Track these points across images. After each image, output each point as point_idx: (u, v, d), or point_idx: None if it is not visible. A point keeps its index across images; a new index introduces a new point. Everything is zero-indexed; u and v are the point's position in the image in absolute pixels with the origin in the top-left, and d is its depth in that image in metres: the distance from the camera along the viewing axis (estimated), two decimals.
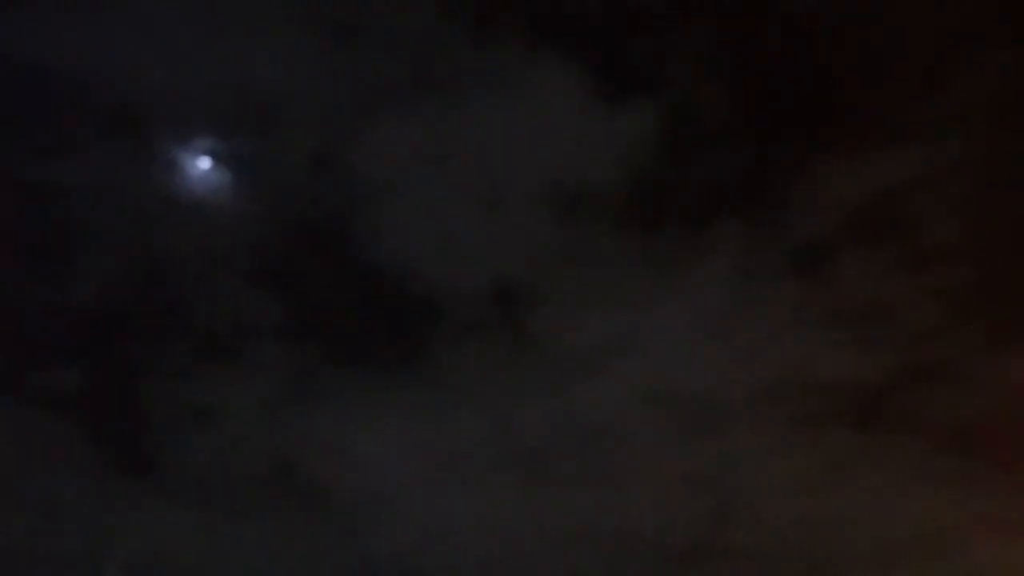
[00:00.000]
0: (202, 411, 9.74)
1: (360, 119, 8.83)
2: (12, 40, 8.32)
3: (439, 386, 9.83)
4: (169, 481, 9.83)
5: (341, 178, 9.03)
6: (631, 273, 9.29)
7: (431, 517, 10.23)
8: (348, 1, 8.34)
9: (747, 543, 10.38)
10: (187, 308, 9.54)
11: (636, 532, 10.35)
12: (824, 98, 8.70)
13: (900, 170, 8.70)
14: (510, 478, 10.23)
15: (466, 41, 8.47)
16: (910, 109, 8.60)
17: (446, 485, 10.21)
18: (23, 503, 9.52)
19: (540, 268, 9.32)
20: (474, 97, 8.66)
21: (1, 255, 9.13)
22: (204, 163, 9.04)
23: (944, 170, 8.67)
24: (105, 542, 9.40)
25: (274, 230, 9.34)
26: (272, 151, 9.06)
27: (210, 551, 9.95)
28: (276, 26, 8.44)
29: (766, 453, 10.00)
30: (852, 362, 9.45)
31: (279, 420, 9.85)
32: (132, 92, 8.61)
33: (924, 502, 9.92)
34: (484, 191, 9.04)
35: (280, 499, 10.07)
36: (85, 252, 9.25)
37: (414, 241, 9.24)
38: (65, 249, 9.23)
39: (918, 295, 9.13)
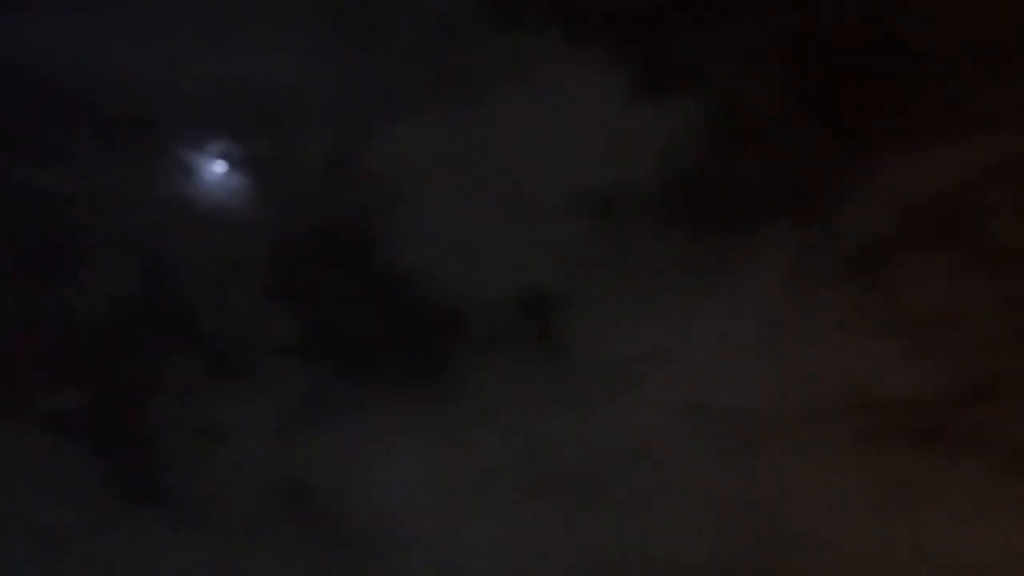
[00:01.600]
0: (212, 431, 9.43)
1: (379, 121, 8.60)
2: (24, 47, 8.28)
3: (463, 403, 9.44)
4: (177, 505, 9.51)
5: (359, 183, 8.81)
6: (671, 280, 8.92)
7: (454, 545, 9.83)
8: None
9: (796, 569, 9.91)
10: (196, 322, 9.31)
11: (677, 560, 9.87)
12: (880, 88, 8.35)
13: (964, 164, 8.31)
14: (540, 503, 9.78)
15: (491, 31, 8.22)
16: (974, 98, 8.20)
17: (470, 510, 9.80)
18: (24, 528, 9.27)
19: (571, 275, 8.98)
20: (500, 92, 8.41)
21: (9, 267, 9.01)
22: (218, 168, 8.86)
23: (1012, 163, 8.25)
24: (107, 569, 9.08)
25: (289, 238, 9.09)
26: (288, 155, 8.87)
27: None
28: (291, 28, 8.32)
29: (818, 474, 9.50)
30: (913, 375, 8.96)
31: (293, 441, 9.54)
32: (145, 97, 8.49)
33: (993, 527, 9.36)
34: (511, 193, 8.74)
35: (293, 525, 9.74)
36: (90, 263, 9.08)
37: (436, 248, 8.96)
38: (73, 260, 9.02)
39: (986, 301, 8.66)
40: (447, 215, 8.87)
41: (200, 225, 8.99)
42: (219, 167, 8.82)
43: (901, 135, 8.36)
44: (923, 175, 8.37)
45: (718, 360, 9.10)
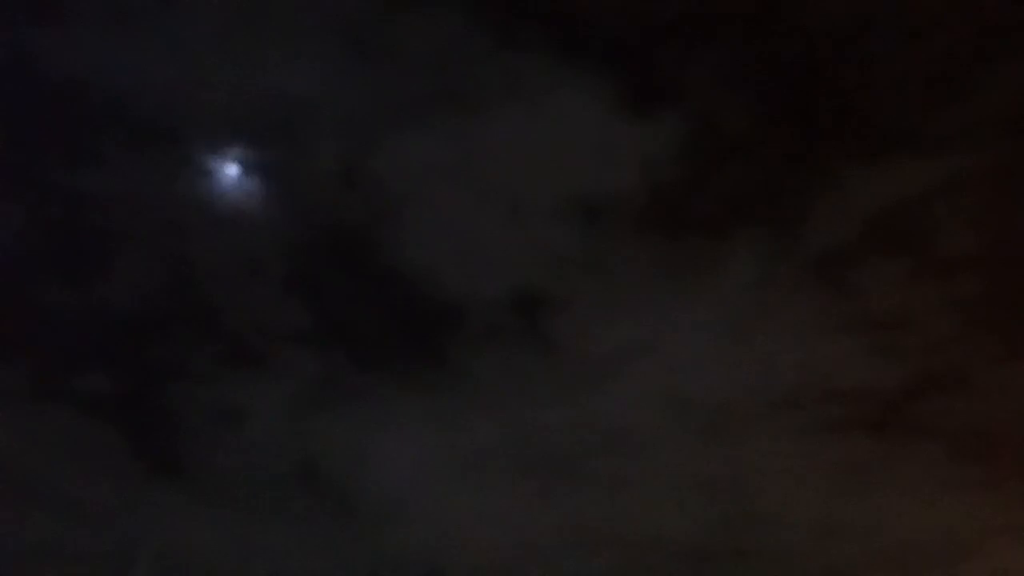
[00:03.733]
0: (230, 414, 9.93)
1: (386, 131, 8.99)
2: (51, 55, 8.58)
3: (460, 391, 9.99)
4: (197, 482, 10.02)
5: (367, 188, 9.20)
6: (652, 281, 9.39)
7: (452, 520, 10.36)
8: (375, 15, 8.47)
9: (765, 548, 10.46)
10: (216, 313, 9.73)
11: (654, 536, 10.44)
12: (845, 109, 8.71)
13: (920, 180, 8.74)
14: (530, 482, 10.37)
15: (491, 53, 8.55)
16: (931, 119, 8.62)
17: (465, 488, 10.34)
18: (56, 503, 9.74)
19: (561, 276, 9.43)
20: (498, 107, 8.76)
21: (39, 262, 9.41)
22: (238, 172, 9.25)
23: (964, 180, 8.69)
24: (135, 541, 9.59)
25: (301, 238, 9.53)
26: (300, 161, 9.23)
27: (236, 550, 10.15)
28: (307, 44, 8.62)
29: (784, 459, 10.05)
30: (871, 370, 9.51)
31: (305, 423, 10.03)
32: (165, 104, 8.84)
33: (942, 509, 9.94)
34: (507, 200, 9.16)
35: (304, 499, 10.25)
36: (119, 259, 9.47)
37: (437, 249, 9.39)
38: (100, 256, 9.50)
39: (937, 304, 9.16)
40: (447, 219, 9.26)
41: (220, 225, 9.43)
42: (238, 171, 9.25)
43: (862, 152, 8.74)
44: (881, 189, 8.82)
45: (693, 354, 9.61)
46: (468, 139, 8.89)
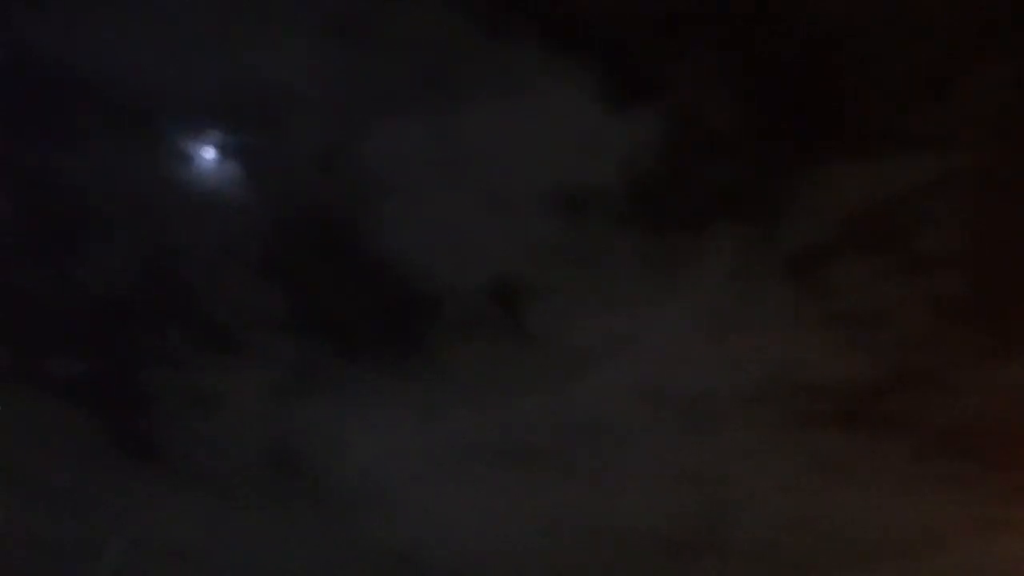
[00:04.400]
0: (206, 399, 9.89)
1: (368, 117, 8.95)
2: (29, 36, 8.49)
3: (439, 380, 10.00)
4: (172, 467, 9.98)
5: (347, 174, 9.17)
6: (631, 273, 9.44)
7: (428, 509, 10.39)
8: (361, 1, 8.42)
9: (739, 539, 10.56)
10: (193, 298, 9.68)
11: (630, 528, 10.51)
12: (825, 106, 8.79)
13: (898, 178, 8.83)
14: (507, 473, 10.41)
15: (477, 43, 8.54)
16: (911, 119, 8.71)
17: (444, 478, 10.36)
18: (28, 487, 9.65)
19: (541, 267, 9.46)
20: (482, 98, 8.78)
21: (13, 243, 9.31)
22: (217, 156, 9.18)
23: (942, 179, 8.78)
24: (108, 526, 9.54)
25: (280, 224, 9.49)
26: (282, 147, 9.18)
27: (210, 536, 10.12)
28: (289, 28, 8.55)
29: (759, 452, 10.15)
30: (845, 365, 9.60)
31: (281, 410, 10.01)
32: (145, 86, 8.76)
33: (911, 503, 10.08)
34: (489, 190, 9.17)
35: (280, 487, 10.22)
36: (95, 241, 9.41)
37: (418, 237, 9.39)
38: (75, 238, 9.42)
39: (911, 301, 9.26)
40: (429, 208, 9.24)
41: (199, 209, 9.34)
42: (217, 155, 9.17)
43: (841, 150, 8.82)
44: (859, 187, 8.90)
45: (670, 347, 9.68)
46: (452, 128, 8.89)
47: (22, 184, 9.02)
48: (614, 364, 9.80)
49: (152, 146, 9.11)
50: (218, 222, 9.45)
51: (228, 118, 9.14)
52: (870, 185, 8.91)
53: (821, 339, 9.45)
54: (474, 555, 10.61)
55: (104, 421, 9.79)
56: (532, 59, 8.58)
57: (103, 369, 9.74)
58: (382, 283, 9.59)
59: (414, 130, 8.95)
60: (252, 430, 10.05)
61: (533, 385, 9.90)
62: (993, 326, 9.27)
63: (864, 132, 8.82)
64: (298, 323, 9.85)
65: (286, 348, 9.93)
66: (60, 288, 9.46)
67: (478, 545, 10.56)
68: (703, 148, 8.95)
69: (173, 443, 9.97)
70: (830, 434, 9.96)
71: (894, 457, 9.96)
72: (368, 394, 10.03)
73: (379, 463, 10.28)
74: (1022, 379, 9.23)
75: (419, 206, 9.28)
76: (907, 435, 9.80)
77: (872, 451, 9.94)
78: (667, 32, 8.48)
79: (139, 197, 9.24)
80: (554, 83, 8.65)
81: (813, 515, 10.29)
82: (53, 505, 9.54)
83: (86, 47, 8.64)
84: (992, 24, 8.18)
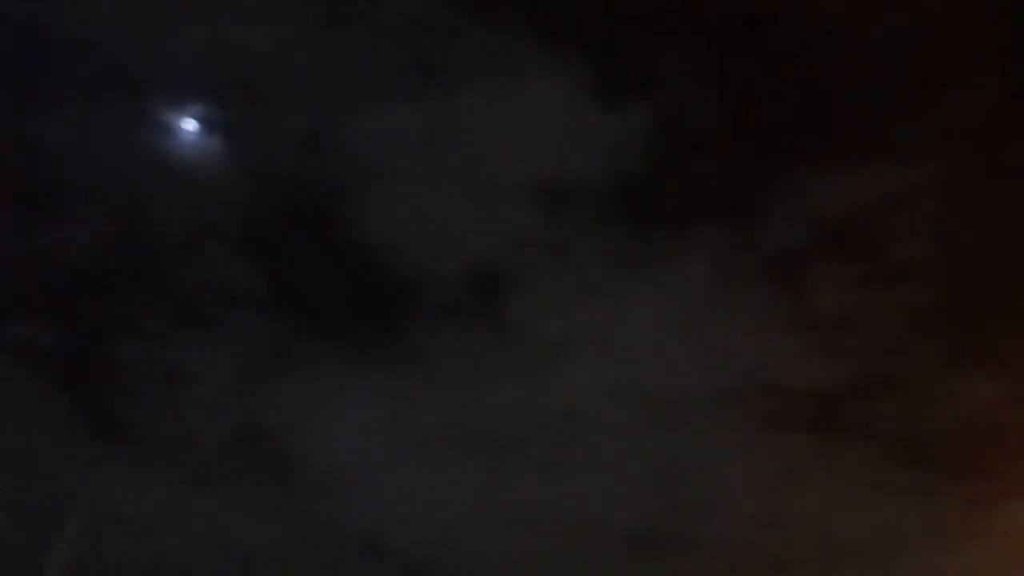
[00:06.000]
0: (175, 374, 9.79)
1: (354, 99, 8.89)
2: (22, 5, 8.30)
3: (412, 366, 9.98)
4: (138, 441, 9.89)
5: (331, 155, 9.09)
6: (608, 269, 9.47)
7: (395, 492, 10.41)
8: None
9: (702, 536, 10.70)
10: (166, 271, 9.56)
11: (593, 519, 10.61)
12: (810, 113, 8.87)
13: (876, 188, 8.94)
14: (475, 459, 10.44)
15: (466, 29, 8.50)
16: (891, 130, 8.82)
17: (412, 462, 10.38)
18: None
19: (520, 258, 9.48)
20: (469, 85, 8.73)
21: None
22: (198, 128, 9.06)
23: (918, 191, 8.91)
24: (70, 497, 9.43)
25: (260, 200, 9.38)
26: (263, 123, 9.06)
27: (174, 511, 10.04)
28: (278, 2, 8.46)
29: (725, 451, 10.28)
30: (814, 369, 9.74)
31: (252, 389, 9.94)
32: (127, 54, 8.61)
33: (874, 507, 10.27)
34: (471, 179, 9.15)
35: (247, 466, 10.18)
36: (69, 208, 9.23)
37: (398, 222, 9.33)
38: (49, 204, 9.23)
39: (882, 310, 9.40)
40: (411, 194, 9.20)
41: (177, 181, 9.20)
42: (198, 128, 9.03)
43: (820, 158, 8.92)
44: (839, 194, 9.00)
45: (644, 344, 9.73)
46: (437, 114, 8.83)
47: None
48: (588, 358, 9.85)
49: (132, 114, 8.99)
50: (196, 196, 9.35)
51: (212, 91, 9.02)
52: (849, 192, 9.02)
53: (793, 342, 9.60)
54: (437, 539, 10.65)
55: (70, 392, 9.67)
56: (521, 49, 8.58)
57: (71, 339, 9.62)
58: (360, 266, 9.57)
59: (400, 115, 8.91)
60: (221, 408, 9.99)
61: (506, 375, 9.94)
62: (960, 337, 9.46)
63: (845, 140, 8.93)
64: (273, 302, 9.80)
65: (260, 327, 9.88)
66: (30, 255, 9.28)
67: (442, 530, 10.60)
68: (687, 148, 9.01)
69: (140, 417, 9.88)
70: (797, 437, 10.13)
71: (858, 462, 10.15)
72: (340, 376, 10.01)
73: (348, 445, 10.27)
74: (986, 390, 9.44)
75: (401, 191, 9.25)
76: (872, 441, 9.99)
77: (837, 455, 10.12)
78: (659, 30, 8.51)
79: (117, 166, 9.10)
80: (542, 74, 8.66)
81: (776, 516, 10.45)
82: (14, 474, 9.39)
83: (67, 8, 8.45)
84: (974, 37, 8.32)
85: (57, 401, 9.65)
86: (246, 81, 8.91)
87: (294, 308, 9.81)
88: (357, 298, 9.72)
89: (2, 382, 9.39)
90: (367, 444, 10.25)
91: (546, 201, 9.11)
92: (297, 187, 9.30)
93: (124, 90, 8.78)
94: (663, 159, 8.94)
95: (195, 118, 8.99)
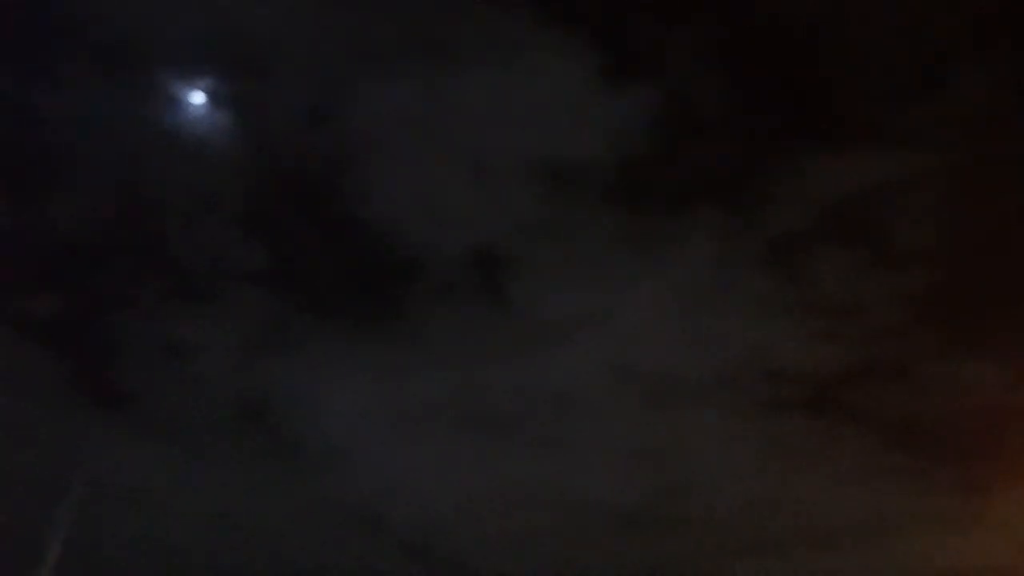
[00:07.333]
0: (177, 349, 9.81)
1: (359, 75, 8.86)
2: None
3: (412, 344, 10.00)
4: (139, 415, 9.91)
5: (335, 132, 9.09)
6: (610, 250, 9.48)
7: (393, 468, 10.45)
8: None
9: (697, 518, 10.74)
10: (169, 246, 9.57)
11: (591, 498, 10.66)
12: (815, 98, 8.87)
13: (880, 173, 8.95)
14: (473, 437, 10.48)
15: (471, 7, 8.48)
16: (894, 116, 8.84)
17: (411, 439, 10.42)
18: None
19: (521, 238, 9.47)
20: (473, 63, 8.72)
21: None
22: (200, 101, 9.00)
23: (922, 177, 8.92)
24: (70, 469, 9.46)
25: (264, 176, 9.38)
26: (270, 99, 9.05)
27: (173, 485, 10.09)
28: None
29: (722, 433, 10.32)
30: (813, 353, 9.76)
31: (252, 364, 9.97)
32: (135, 26, 8.58)
33: (868, 491, 10.32)
34: (474, 158, 9.14)
35: (246, 440, 10.21)
36: (74, 181, 9.22)
37: (400, 201, 9.34)
38: (53, 177, 9.21)
39: (884, 295, 9.42)
40: (414, 172, 9.21)
41: (180, 155, 9.17)
42: (205, 101, 8.99)
43: (824, 143, 8.91)
44: (842, 179, 9.01)
45: (644, 326, 9.75)
46: (440, 92, 8.80)
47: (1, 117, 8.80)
48: (587, 338, 9.87)
49: (138, 86, 8.96)
50: (200, 169, 9.33)
51: (219, 65, 9.02)
52: (852, 178, 9.05)
53: (793, 327, 9.63)
54: (435, 516, 10.71)
55: (70, 364, 9.69)
56: (526, 28, 8.55)
57: (73, 312, 9.62)
58: (362, 244, 9.58)
59: (404, 91, 8.89)
60: (221, 382, 10.03)
61: (506, 354, 9.98)
62: (960, 323, 9.50)
63: (848, 126, 8.94)
64: (274, 278, 9.81)
65: (261, 303, 9.91)
66: (33, 227, 9.28)
67: (440, 507, 10.66)
68: (691, 131, 9.02)
69: (141, 391, 9.91)
70: (794, 420, 10.18)
71: (854, 446, 10.20)
72: (341, 353, 10.04)
73: (347, 422, 10.31)
74: (983, 376, 9.48)
75: (404, 169, 9.25)
76: (868, 425, 10.04)
77: (833, 439, 10.16)
78: (664, 12, 8.48)
79: (121, 138, 9.08)
80: (547, 54, 8.64)
81: (773, 498, 10.51)
82: (14, 444, 9.43)
83: None
84: (976, 25, 8.31)
85: (58, 374, 9.67)
86: (254, 58, 8.91)
87: (296, 284, 9.85)
88: (358, 275, 9.76)
89: (4, 354, 9.40)
90: (366, 421, 10.30)
91: (549, 181, 9.14)
92: (301, 164, 9.32)
93: (130, 62, 8.76)
94: (666, 142, 8.96)
95: (200, 90, 8.95)
